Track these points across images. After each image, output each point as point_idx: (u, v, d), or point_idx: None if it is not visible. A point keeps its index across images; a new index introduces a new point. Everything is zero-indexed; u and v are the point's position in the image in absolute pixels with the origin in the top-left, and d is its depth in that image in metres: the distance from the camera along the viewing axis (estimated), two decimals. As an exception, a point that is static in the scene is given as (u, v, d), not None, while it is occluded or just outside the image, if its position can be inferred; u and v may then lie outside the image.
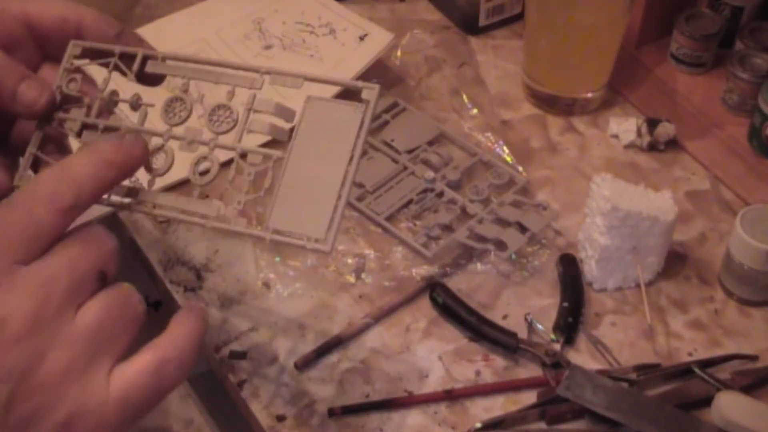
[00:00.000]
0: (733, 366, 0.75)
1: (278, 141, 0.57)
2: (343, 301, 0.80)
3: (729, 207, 0.88)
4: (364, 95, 0.55)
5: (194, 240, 0.85)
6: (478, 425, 0.71)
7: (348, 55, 0.97)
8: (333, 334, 0.77)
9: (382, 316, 0.79)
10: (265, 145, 0.58)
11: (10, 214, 0.48)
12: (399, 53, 1.00)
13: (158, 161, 0.59)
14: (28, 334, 0.45)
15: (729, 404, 0.70)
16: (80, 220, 0.88)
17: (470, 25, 1.05)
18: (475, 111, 0.95)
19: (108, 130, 0.60)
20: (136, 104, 0.61)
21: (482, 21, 1.04)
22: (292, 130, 0.56)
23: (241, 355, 0.76)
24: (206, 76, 0.60)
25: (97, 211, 0.86)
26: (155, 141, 0.59)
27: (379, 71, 0.98)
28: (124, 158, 0.53)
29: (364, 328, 0.78)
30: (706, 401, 0.71)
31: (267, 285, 0.81)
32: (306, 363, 0.75)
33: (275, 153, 0.56)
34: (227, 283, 0.82)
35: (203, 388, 0.95)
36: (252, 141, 0.58)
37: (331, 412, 0.72)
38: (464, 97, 0.96)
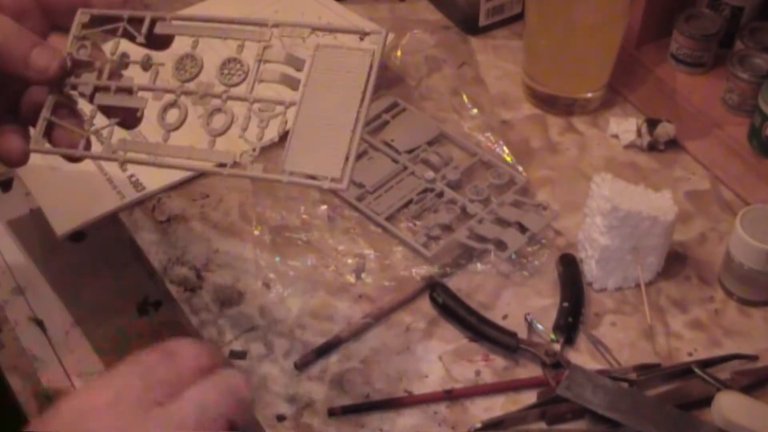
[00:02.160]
0: (733, 366, 0.75)
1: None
2: (343, 301, 0.80)
3: (729, 207, 0.88)
4: (371, 40, 0.57)
5: (194, 240, 0.85)
6: (478, 425, 0.71)
7: (348, 55, 0.97)
8: (333, 334, 0.77)
9: (382, 316, 0.79)
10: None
11: (161, 363, 0.50)
12: (399, 53, 1.00)
13: (171, 117, 0.60)
14: None
15: (729, 404, 0.70)
16: (84, 218, 0.88)
17: (470, 25, 1.05)
18: (475, 111, 0.95)
19: (120, 91, 0.62)
20: (147, 64, 0.62)
21: (482, 21, 1.04)
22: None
23: (241, 355, 0.76)
24: (215, 32, 0.61)
25: (99, 209, 0.86)
26: (168, 97, 0.61)
27: (379, 71, 0.97)
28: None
29: (364, 328, 0.78)
30: (706, 401, 0.71)
31: (267, 285, 0.81)
32: (306, 363, 0.75)
33: (287, 100, 0.58)
34: (227, 283, 0.82)
35: (203, 388, 0.95)
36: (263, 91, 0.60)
37: (331, 412, 0.72)
38: (464, 97, 0.96)
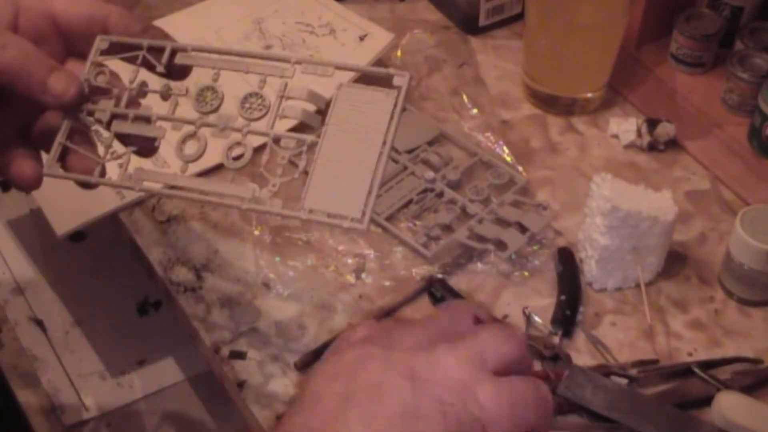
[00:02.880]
0: (734, 366, 0.75)
1: (310, 127, 0.59)
2: (343, 301, 0.80)
3: (729, 207, 0.88)
4: (396, 82, 0.57)
5: (194, 240, 0.85)
6: None
7: (348, 56, 0.97)
8: (333, 335, 0.77)
9: (381, 316, 0.79)
10: (296, 130, 0.60)
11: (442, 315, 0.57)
12: (399, 53, 1.00)
13: (190, 148, 0.60)
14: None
15: (729, 404, 0.70)
16: (84, 218, 0.88)
17: (470, 25, 1.05)
18: (475, 111, 0.95)
19: (138, 119, 0.61)
20: (166, 94, 0.62)
21: (482, 21, 1.04)
22: (322, 115, 0.58)
23: (241, 355, 0.76)
24: (237, 66, 0.61)
25: (99, 209, 0.86)
26: (187, 128, 0.60)
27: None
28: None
29: (364, 328, 0.78)
30: (706, 401, 0.71)
31: (267, 285, 0.81)
32: (306, 363, 0.75)
33: (308, 137, 0.58)
34: (227, 283, 0.82)
35: (203, 388, 0.95)
36: (283, 127, 0.60)
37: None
38: (464, 97, 0.96)
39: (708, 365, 0.74)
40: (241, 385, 0.75)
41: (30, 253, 1.04)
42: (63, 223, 0.86)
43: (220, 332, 0.78)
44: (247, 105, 0.60)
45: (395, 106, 0.57)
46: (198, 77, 0.63)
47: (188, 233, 0.85)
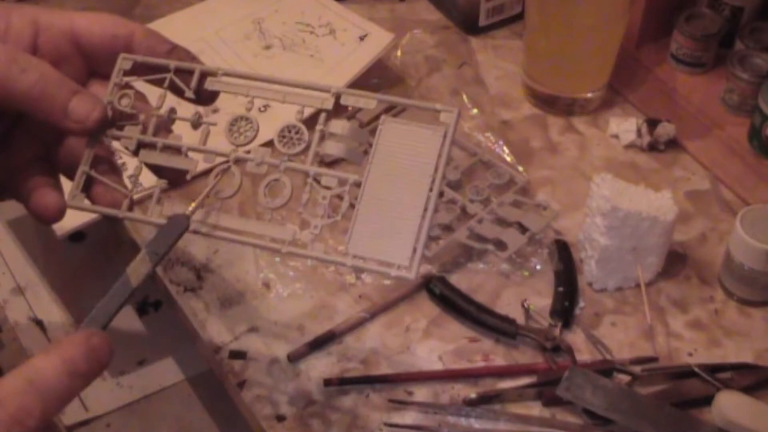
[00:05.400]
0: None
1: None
2: (343, 301, 0.80)
3: (729, 207, 0.88)
4: (443, 118, 0.54)
5: (194, 240, 0.85)
6: (473, 396, 0.72)
7: (348, 55, 0.97)
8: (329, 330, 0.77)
9: (377, 311, 0.79)
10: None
11: None
12: (399, 53, 1.00)
13: (225, 185, 0.57)
14: None
15: (729, 404, 0.70)
16: (84, 218, 0.88)
17: (470, 25, 1.05)
18: (475, 111, 0.95)
19: (167, 149, 0.58)
20: (197, 123, 0.58)
21: (482, 21, 1.04)
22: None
23: (241, 355, 0.76)
24: (271, 94, 0.57)
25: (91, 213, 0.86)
26: (219, 161, 0.57)
27: (379, 71, 0.97)
28: (93, 367, 0.49)
29: (359, 323, 0.78)
30: (706, 401, 0.71)
31: (267, 285, 0.81)
32: (299, 356, 0.75)
33: (351, 176, 0.54)
34: (227, 283, 0.82)
35: (203, 388, 0.95)
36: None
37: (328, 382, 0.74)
38: (464, 97, 0.96)
39: (713, 369, 0.74)
40: (241, 385, 0.75)
41: (30, 253, 1.04)
42: (63, 223, 0.85)
43: (220, 332, 0.78)
44: (286, 138, 0.56)
45: (443, 144, 0.53)
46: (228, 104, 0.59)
47: (188, 233, 0.85)
